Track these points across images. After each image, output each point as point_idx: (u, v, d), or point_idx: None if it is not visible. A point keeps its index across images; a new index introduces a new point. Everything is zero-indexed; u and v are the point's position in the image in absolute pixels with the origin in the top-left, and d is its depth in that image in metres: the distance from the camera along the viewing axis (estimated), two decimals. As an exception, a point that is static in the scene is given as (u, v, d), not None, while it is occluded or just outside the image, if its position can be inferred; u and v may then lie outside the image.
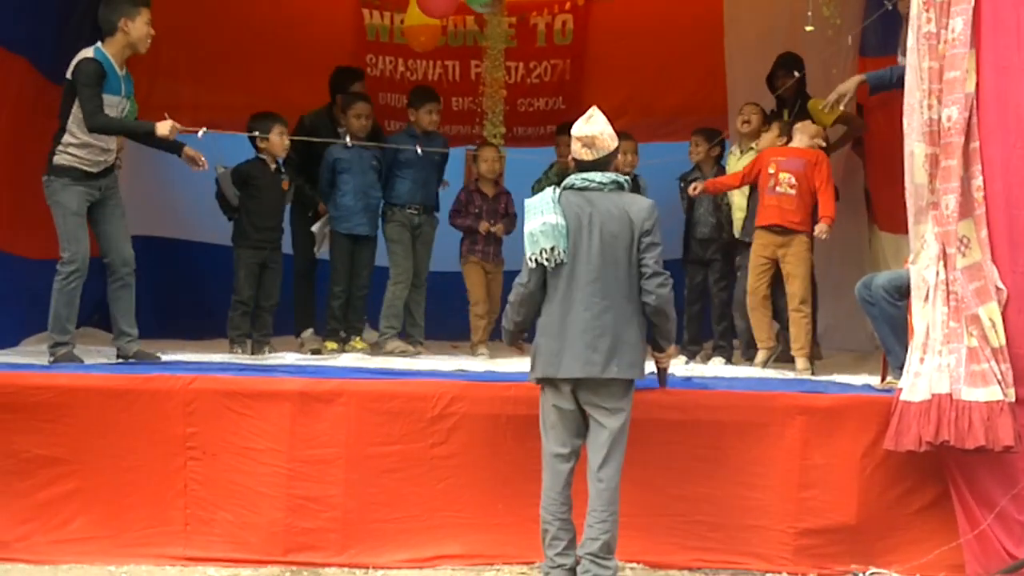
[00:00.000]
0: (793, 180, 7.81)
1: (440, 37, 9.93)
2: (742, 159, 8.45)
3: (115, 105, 7.06)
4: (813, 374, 7.69)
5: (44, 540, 6.31)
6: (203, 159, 7.43)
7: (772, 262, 7.91)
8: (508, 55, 10.47)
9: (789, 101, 8.72)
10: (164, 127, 7.01)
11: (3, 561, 6.19)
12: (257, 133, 8.21)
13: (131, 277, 7.29)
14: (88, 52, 7.00)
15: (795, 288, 7.83)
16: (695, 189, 8.26)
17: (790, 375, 7.62)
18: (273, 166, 8.40)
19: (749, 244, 8.16)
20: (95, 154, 7.10)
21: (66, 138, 7.02)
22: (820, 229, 7.79)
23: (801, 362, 7.81)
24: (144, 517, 6.36)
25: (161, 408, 6.38)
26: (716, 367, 8.12)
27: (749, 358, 8.26)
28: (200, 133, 7.28)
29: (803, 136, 7.97)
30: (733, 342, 8.68)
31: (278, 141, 8.26)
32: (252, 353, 8.15)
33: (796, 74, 8.56)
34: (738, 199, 8.44)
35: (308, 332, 9.14)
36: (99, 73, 6.94)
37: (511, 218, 8.86)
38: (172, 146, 7.33)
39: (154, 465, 6.37)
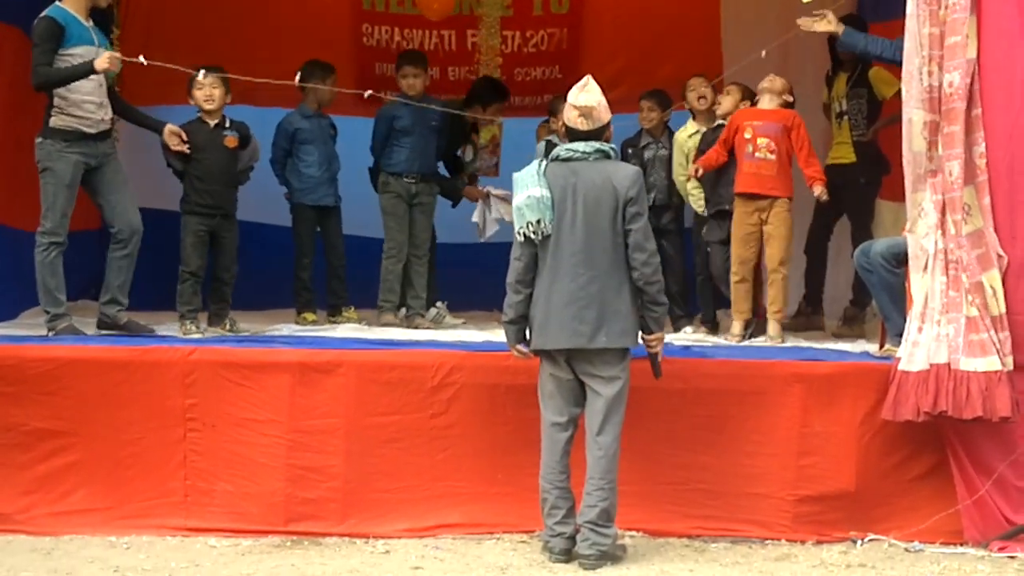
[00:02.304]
0: (772, 145, 7.65)
1: (454, 4, 9.87)
2: (704, 133, 8.35)
3: (92, 56, 6.97)
4: (783, 342, 7.59)
5: (45, 512, 6.32)
6: (185, 136, 7.40)
7: (757, 228, 7.74)
8: (504, 24, 10.45)
9: (848, 66, 8.68)
10: (102, 62, 6.87)
11: (5, 533, 6.21)
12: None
13: (137, 247, 7.24)
14: (45, 12, 6.94)
15: (774, 250, 7.68)
16: (697, 172, 8.04)
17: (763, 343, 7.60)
18: (212, 123, 7.83)
19: (716, 216, 8.09)
20: (90, 111, 7.03)
21: (56, 101, 6.94)
22: (818, 191, 7.72)
23: (773, 327, 7.66)
24: (144, 488, 6.38)
25: (160, 379, 6.38)
26: (685, 336, 8.10)
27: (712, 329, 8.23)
28: (142, 59, 7.20)
29: (772, 96, 7.81)
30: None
31: (198, 95, 7.76)
32: (209, 326, 7.77)
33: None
34: (692, 183, 8.32)
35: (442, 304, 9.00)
36: (51, 30, 6.86)
37: None
38: (155, 124, 7.29)
39: (154, 436, 6.38)
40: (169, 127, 7.42)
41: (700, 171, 8.02)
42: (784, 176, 7.72)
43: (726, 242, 8.00)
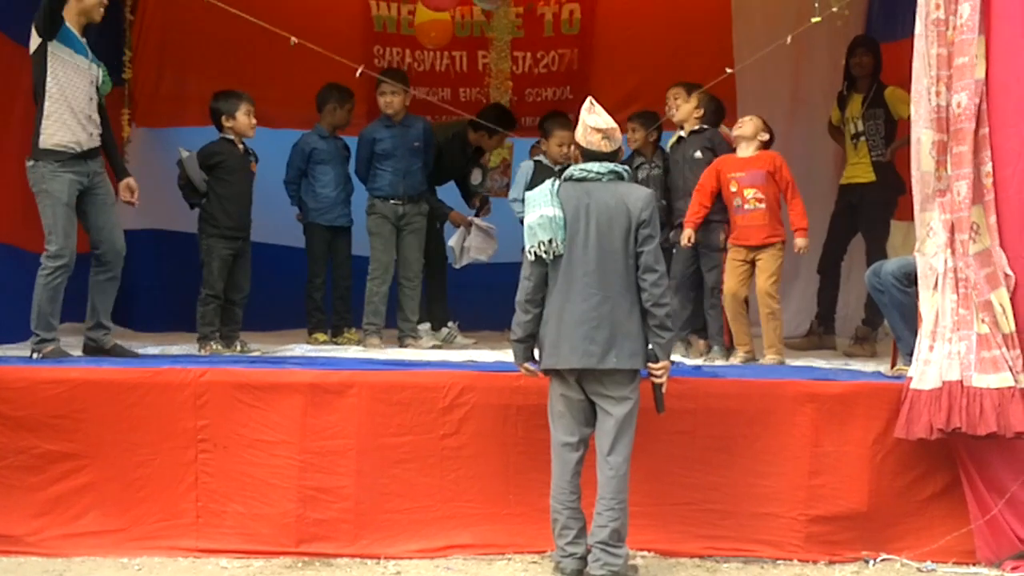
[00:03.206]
0: (759, 194, 7.55)
1: (451, 33, 9.93)
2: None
3: (85, 68, 6.98)
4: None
5: (57, 534, 6.32)
6: (137, 194, 7.41)
7: (748, 264, 7.62)
8: (515, 45, 10.51)
9: (863, 86, 8.68)
10: None
11: (17, 555, 6.22)
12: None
13: (120, 269, 7.21)
14: None
15: (762, 282, 7.55)
16: (689, 240, 7.81)
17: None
18: (240, 147, 7.99)
19: (679, 226, 7.96)
20: (79, 128, 6.94)
21: (46, 117, 6.84)
22: (799, 245, 7.59)
23: (771, 359, 7.56)
24: (156, 510, 6.38)
25: (172, 401, 6.39)
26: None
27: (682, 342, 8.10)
28: None
29: (747, 141, 7.68)
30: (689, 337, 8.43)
31: (246, 121, 7.90)
32: (225, 349, 7.80)
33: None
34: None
35: (425, 326, 9.01)
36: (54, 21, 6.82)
37: None
38: (118, 168, 7.33)
39: (165, 458, 6.39)
40: (128, 181, 7.42)
41: (692, 237, 7.81)
42: (775, 221, 7.60)
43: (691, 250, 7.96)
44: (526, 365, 5.93)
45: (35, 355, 6.85)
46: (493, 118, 9.29)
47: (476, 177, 9.45)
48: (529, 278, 5.82)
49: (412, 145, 8.51)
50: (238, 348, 7.81)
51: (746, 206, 7.60)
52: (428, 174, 8.80)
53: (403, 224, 8.48)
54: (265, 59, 9.77)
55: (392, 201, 8.43)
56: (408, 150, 8.50)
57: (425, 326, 8.96)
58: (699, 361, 7.72)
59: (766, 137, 7.74)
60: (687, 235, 7.82)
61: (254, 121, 7.98)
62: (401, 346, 8.25)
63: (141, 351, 7.43)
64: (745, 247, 7.62)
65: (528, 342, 5.87)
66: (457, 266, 9.10)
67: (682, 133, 8.23)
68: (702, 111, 8.06)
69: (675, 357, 7.50)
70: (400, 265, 8.48)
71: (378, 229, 8.40)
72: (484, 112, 9.48)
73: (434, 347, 8.46)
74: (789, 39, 7.32)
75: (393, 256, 8.43)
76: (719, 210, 7.81)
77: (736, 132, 7.76)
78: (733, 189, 7.63)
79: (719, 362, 7.70)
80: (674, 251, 8.15)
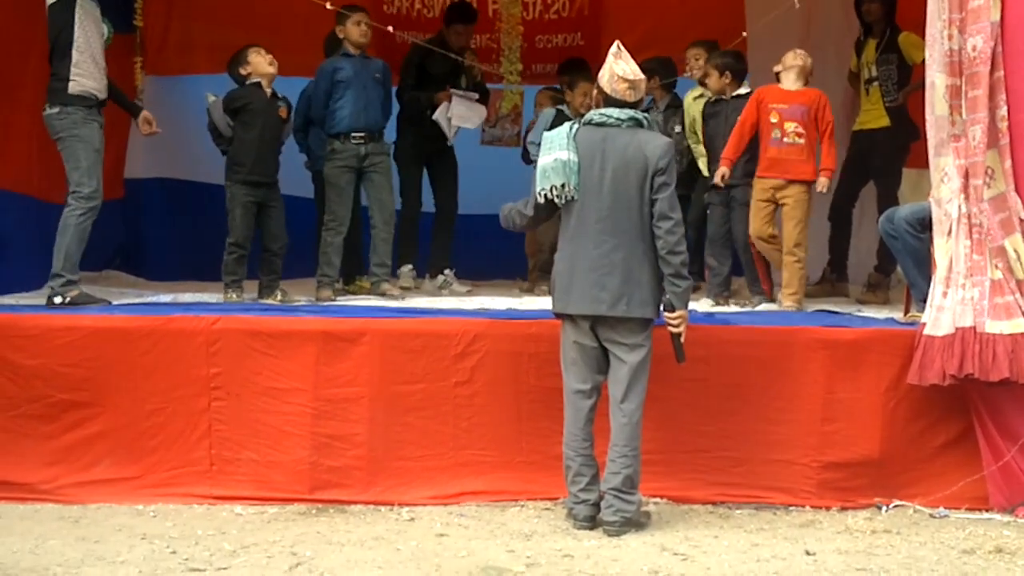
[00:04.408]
0: (800, 129, 7.43)
1: None
2: (695, 101, 8.27)
3: (100, 19, 7.07)
4: None
5: (71, 482, 6.36)
6: (155, 123, 7.43)
7: (772, 203, 7.53)
8: (526, -10, 10.41)
9: (877, 31, 8.62)
10: None
11: (32, 502, 6.26)
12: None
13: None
14: None
15: (789, 230, 7.48)
16: (723, 178, 7.65)
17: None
18: (269, 91, 7.78)
19: (718, 186, 7.80)
20: (101, 77, 7.06)
21: (75, 65, 6.91)
22: (821, 184, 7.48)
23: (789, 304, 7.45)
24: (170, 457, 6.40)
25: (185, 349, 6.40)
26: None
27: (723, 298, 7.91)
28: None
29: (794, 76, 7.56)
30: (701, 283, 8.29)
31: (259, 59, 7.73)
32: (260, 298, 7.64)
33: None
34: (698, 146, 8.27)
35: (407, 267, 8.92)
36: None
37: None
38: (131, 107, 7.33)
39: (179, 406, 6.41)
40: (144, 114, 7.43)
41: (727, 175, 7.63)
42: (810, 161, 7.50)
43: (727, 206, 7.86)
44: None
45: (58, 299, 6.83)
46: (456, 13, 9.26)
47: (463, 82, 9.33)
48: (529, 217, 5.90)
49: (374, 76, 8.20)
50: (279, 298, 7.62)
51: (785, 139, 7.44)
52: (387, 117, 8.52)
53: (367, 166, 8.13)
54: (274, 5, 9.73)
55: (354, 139, 8.06)
56: (369, 80, 8.16)
57: (407, 267, 8.89)
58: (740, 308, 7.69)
59: (810, 72, 7.63)
60: (722, 172, 7.63)
61: (270, 57, 7.77)
62: (376, 292, 8.07)
63: (154, 299, 7.42)
64: (773, 180, 7.48)
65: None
66: (450, 142, 9.00)
67: (721, 96, 8.01)
68: (730, 76, 7.94)
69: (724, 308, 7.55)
70: (373, 208, 8.19)
71: (336, 180, 8.06)
72: (447, 9, 9.46)
73: (403, 289, 8.39)
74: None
75: (350, 207, 8.11)
76: (750, 171, 7.66)
77: (795, 61, 7.57)
78: (773, 120, 7.47)
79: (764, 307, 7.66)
80: (708, 210, 8.07)
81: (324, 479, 6.35)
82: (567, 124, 5.84)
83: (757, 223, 7.56)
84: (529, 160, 8.43)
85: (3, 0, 7.61)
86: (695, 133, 8.37)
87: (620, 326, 5.71)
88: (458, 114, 8.89)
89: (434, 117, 8.87)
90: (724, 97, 7.96)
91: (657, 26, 10.05)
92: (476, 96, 9.04)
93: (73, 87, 6.95)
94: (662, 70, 8.63)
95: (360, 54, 8.18)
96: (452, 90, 8.93)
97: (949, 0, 6.12)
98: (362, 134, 8.06)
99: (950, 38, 6.14)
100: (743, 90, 7.89)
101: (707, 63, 8.11)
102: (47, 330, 6.41)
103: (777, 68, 7.63)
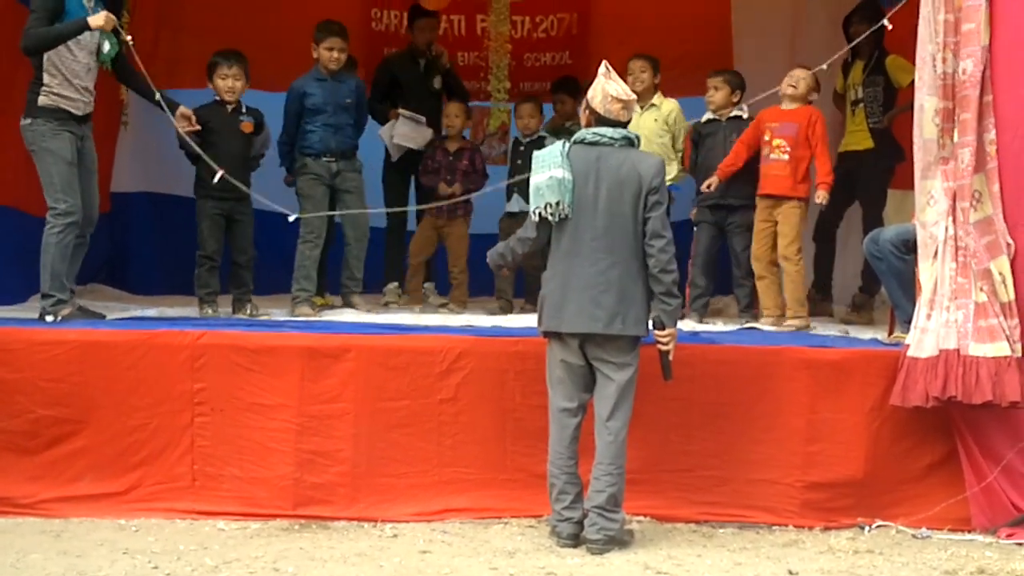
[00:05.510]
0: (786, 146, 7.50)
1: None
2: (642, 116, 8.11)
3: (86, 40, 6.93)
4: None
5: (52, 496, 6.33)
6: (195, 118, 7.40)
7: (771, 226, 7.59)
8: (514, 9, 10.45)
9: (865, 53, 8.64)
10: (98, 19, 6.78)
11: (14, 515, 6.23)
12: None
13: (89, 236, 7.16)
14: None
15: (779, 243, 7.54)
16: (709, 186, 7.75)
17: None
18: (231, 107, 7.84)
19: (704, 202, 7.88)
20: (79, 93, 6.95)
21: (46, 79, 6.85)
22: (820, 196, 7.54)
23: (795, 322, 7.47)
24: (153, 473, 6.38)
25: (169, 364, 6.39)
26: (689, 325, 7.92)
27: (706, 317, 7.91)
28: (129, 39, 7.12)
29: (794, 99, 7.64)
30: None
31: (219, 84, 7.78)
32: (233, 313, 7.66)
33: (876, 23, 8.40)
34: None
35: (392, 285, 8.91)
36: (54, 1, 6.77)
37: (478, 174, 8.69)
38: (167, 104, 7.28)
39: (162, 421, 6.39)
40: (181, 109, 7.40)
41: (715, 184, 7.73)
42: (795, 177, 7.54)
43: (717, 227, 7.90)
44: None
45: (49, 318, 6.79)
46: (417, 9, 9.41)
47: (436, 83, 9.33)
48: (535, 240, 5.85)
49: (344, 102, 8.15)
50: (249, 312, 7.65)
51: (771, 155, 7.55)
52: (359, 135, 8.47)
53: (338, 183, 8.09)
54: (262, 22, 9.74)
55: (324, 158, 8.04)
56: (339, 106, 8.12)
57: (393, 285, 8.88)
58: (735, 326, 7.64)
59: (815, 96, 7.73)
60: (710, 182, 7.72)
61: (231, 83, 7.81)
62: (344, 304, 8.03)
63: (140, 313, 7.40)
64: (769, 199, 7.57)
65: (508, 266, 6.16)
66: (393, 159, 9.00)
67: (716, 116, 8.07)
68: (739, 95, 7.98)
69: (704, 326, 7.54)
70: (346, 225, 8.12)
71: (310, 191, 8.00)
72: (409, 9, 9.59)
73: (387, 304, 8.46)
74: None
75: (325, 219, 8.03)
76: (749, 195, 7.72)
77: (788, 92, 7.64)
78: (766, 138, 7.60)
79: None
80: (695, 228, 8.07)
81: (307, 495, 6.33)
82: (559, 143, 5.85)
83: (758, 246, 7.64)
84: None
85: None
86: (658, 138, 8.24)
87: (609, 344, 5.71)
88: (401, 133, 8.92)
89: (379, 134, 8.92)
90: (719, 117, 8.00)
91: (643, 45, 10.07)
92: (423, 119, 8.99)
93: (43, 100, 6.88)
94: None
95: (332, 78, 8.11)
96: (400, 110, 8.95)
97: (944, 23, 6.15)
98: (332, 157, 8.06)
99: (944, 61, 6.17)
100: (737, 112, 7.96)
101: (715, 78, 8.10)
102: (29, 344, 6.39)
103: (786, 92, 7.68)
